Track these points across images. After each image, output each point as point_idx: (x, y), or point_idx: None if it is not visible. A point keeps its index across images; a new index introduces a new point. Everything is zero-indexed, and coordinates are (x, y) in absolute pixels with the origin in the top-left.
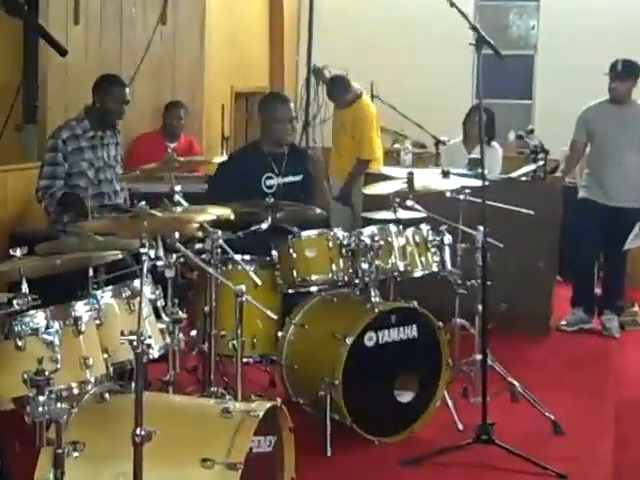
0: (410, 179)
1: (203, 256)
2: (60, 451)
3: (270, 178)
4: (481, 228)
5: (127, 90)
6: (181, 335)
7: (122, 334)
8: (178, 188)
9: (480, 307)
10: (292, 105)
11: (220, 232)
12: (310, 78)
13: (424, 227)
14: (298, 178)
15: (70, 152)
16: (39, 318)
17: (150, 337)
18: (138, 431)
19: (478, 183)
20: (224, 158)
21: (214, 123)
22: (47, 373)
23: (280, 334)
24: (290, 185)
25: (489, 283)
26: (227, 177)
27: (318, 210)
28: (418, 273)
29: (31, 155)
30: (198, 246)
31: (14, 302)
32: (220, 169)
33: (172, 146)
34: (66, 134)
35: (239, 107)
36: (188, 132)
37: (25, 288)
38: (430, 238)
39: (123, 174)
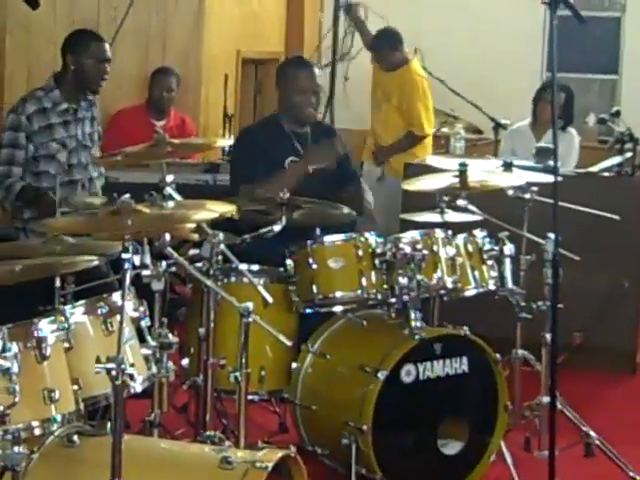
0: (462, 172)
1: (199, 265)
2: None
3: (294, 162)
4: (552, 236)
5: (107, 46)
6: (170, 364)
7: (98, 361)
8: (170, 178)
9: (549, 337)
10: (317, 71)
11: (222, 235)
12: (337, 43)
13: (479, 234)
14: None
15: (37, 131)
16: None
17: (132, 365)
18: None
19: (549, 179)
20: (229, 141)
21: (214, 97)
22: (2, 408)
23: (294, 365)
24: (317, 173)
25: (560, 306)
26: (253, 155)
27: (346, 209)
28: (470, 292)
29: None
30: (193, 252)
31: None
32: (240, 147)
33: (160, 124)
34: (32, 108)
35: (247, 77)
36: (181, 107)
37: None
38: (486, 248)
39: (101, 158)
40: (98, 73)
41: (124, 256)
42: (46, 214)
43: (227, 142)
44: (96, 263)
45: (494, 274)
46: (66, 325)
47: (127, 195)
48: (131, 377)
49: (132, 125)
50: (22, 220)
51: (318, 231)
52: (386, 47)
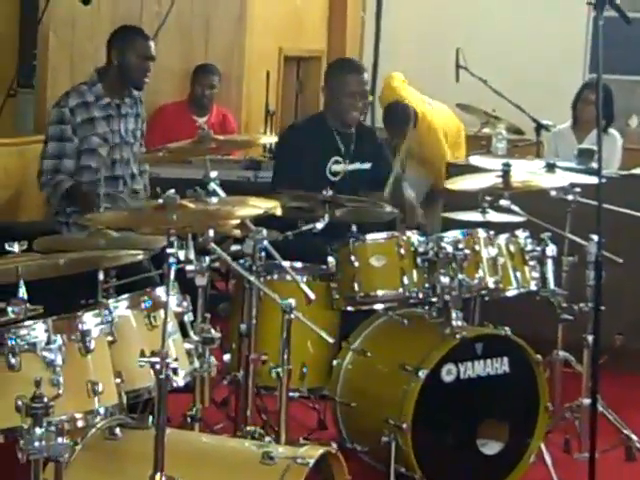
0: (505, 172)
1: (242, 261)
2: None
3: (337, 163)
4: (595, 238)
5: (152, 44)
6: (212, 359)
7: (142, 355)
8: (214, 174)
9: (590, 338)
10: (366, 77)
11: (265, 231)
12: (379, 42)
13: (521, 234)
14: (365, 166)
15: (80, 124)
16: (38, 331)
17: (176, 360)
18: (158, 477)
19: (592, 180)
20: (272, 138)
21: (256, 93)
22: (46, 399)
23: (335, 362)
24: (356, 174)
25: (602, 308)
26: (297, 154)
27: (388, 207)
28: (512, 292)
29: (26, 127)
30: (235, 248)
31: (9, 310)
32: (285, 145)
33: (202, 120)
34: (74, 101)
35: (288, 74)
36: (223, 103)
37: (23, 292)
38: (528, 248)
39: (145, 154)
40: (141, 70)
41: (169, 251)
42: (88, 211)
43: (270, 139)
44: (141, 257)
45: (536, 275)
46: (110, 319)
47: (172, 190)
48: (174, 371)
49: (174, 121)
50: (65, 214)
51: (354, 228)
52: (401, 122)
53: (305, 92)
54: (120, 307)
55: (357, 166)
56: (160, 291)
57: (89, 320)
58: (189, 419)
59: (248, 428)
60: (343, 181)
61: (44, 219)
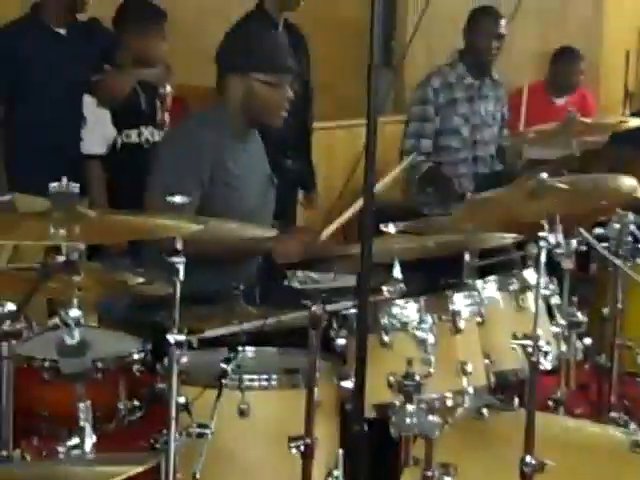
0: None
1: (605, 244)
2: (429, 474)
3: None
4: None
5: (502, 22)
6: (578, 343)
7: (514, 337)
8: None
9: None
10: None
11: (631, 215)
12: None
13: None
14: None
15: (443, 104)
16: (410, 310)
17: (548, 343)
18: (528, 459)
19: None
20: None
21: (614, 73)
22: (418, 378)
23: None
24: None
25: None
26: None
27: None
28: None
29: (384, 105)
30: (598, 231)
31: (384, 289)
32: None
33: (560, 102)
34: (438, 82)
35: None
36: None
37: (398, 272)
38: None
39: (512, 136)
40: (488, 50)
41: (541, 234)
42: (446, 202)
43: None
44: (509, 241)
45: None
46: (479, 300)
47: (544, 174)
48: (546, 354)
49: (530, 102)
50: (425, 194)
51: None
52: None
53: None
54: (489, 288)
55: None
56: (528, 273)
57: (459, 300)
58: (552, 402)
59: (612, 414)
60: None
61: (404, 199)
